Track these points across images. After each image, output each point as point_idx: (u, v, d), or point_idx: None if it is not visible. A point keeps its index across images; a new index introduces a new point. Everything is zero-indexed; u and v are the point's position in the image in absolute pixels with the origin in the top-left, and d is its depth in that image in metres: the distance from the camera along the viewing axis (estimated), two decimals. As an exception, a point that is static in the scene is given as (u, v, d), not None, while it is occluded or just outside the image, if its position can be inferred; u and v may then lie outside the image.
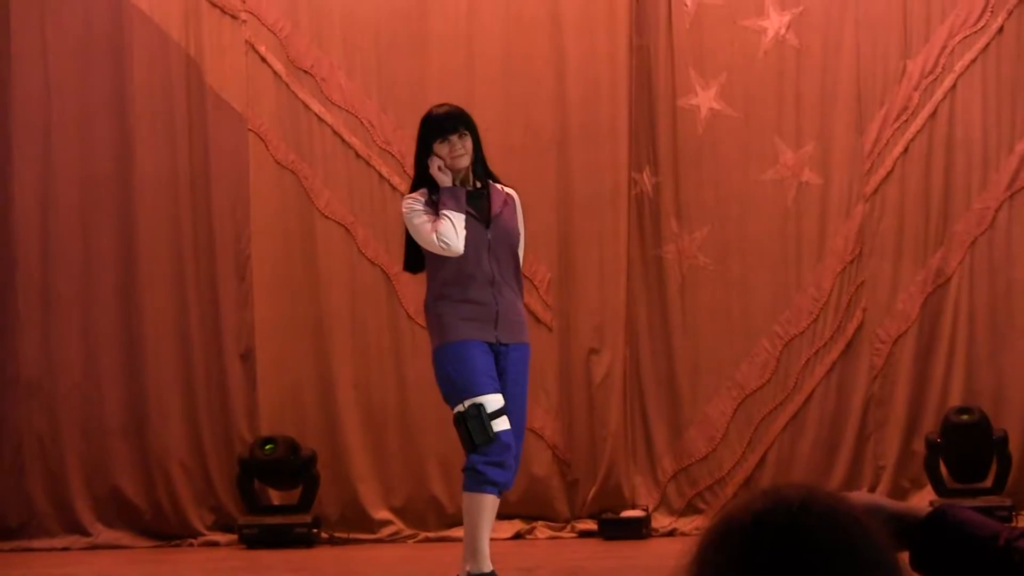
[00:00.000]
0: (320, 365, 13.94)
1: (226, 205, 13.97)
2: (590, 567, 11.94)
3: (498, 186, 10.21)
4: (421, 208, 9.72)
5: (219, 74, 13.97)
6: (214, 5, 13.98)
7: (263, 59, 13.96)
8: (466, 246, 9.71)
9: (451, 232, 9.65)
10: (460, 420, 9.63)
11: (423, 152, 9.89)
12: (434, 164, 9.75)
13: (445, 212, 9.67)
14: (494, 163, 13.64)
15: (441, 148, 9.78)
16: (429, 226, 9.67)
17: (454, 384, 9.73)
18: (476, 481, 9.70)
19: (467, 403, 9.60)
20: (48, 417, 13.96)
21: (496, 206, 10.03)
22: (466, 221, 9.78)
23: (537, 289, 13.79)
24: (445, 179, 9.76)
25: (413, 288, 13.59)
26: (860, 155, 13.85)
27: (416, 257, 9.87)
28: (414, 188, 9.91)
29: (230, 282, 13.97)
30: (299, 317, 13.98)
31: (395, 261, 13.47)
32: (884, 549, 2.69)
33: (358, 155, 13.95)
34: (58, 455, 13.92)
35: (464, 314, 9.78)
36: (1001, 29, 13.74)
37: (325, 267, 13.95)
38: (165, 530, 13.86)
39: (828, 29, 13.90)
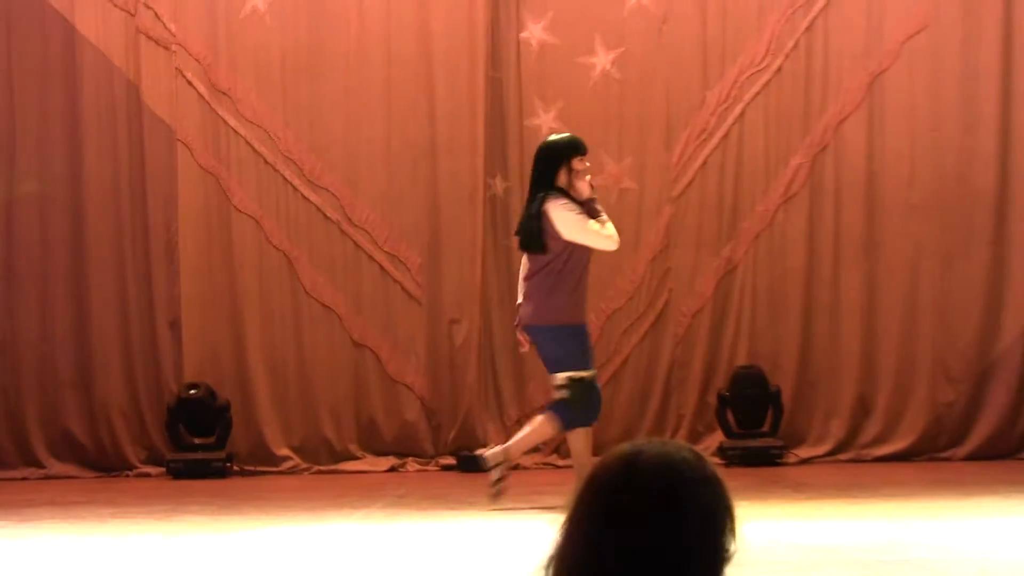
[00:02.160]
0: (234, 331, 14.00)
1: (158, 201, 13.98)
2: (450, 494, 12.07)
3: None
4: (584, 215, 10.41)
5: (153, 94, 13.96)
6: (150, 38, 13.96)
7: (189, 83, 13.97)
8: (585, 249, 10.54)
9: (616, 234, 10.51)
10: (584, 383, 10.51)
11: (558, 164, 10.51)
12: (586, 175, 10.57)
13: (605, 217, 10.47)
14: (378, 169, 14.15)
15: (580, 163, 10.51)
16: (599, 228, 10.41)
17: (583, 355, 10.50)
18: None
19: (588, 374, 10.51)
20: (11, 372, 14.02)
21: None
22: None
23: (410, 271, 13.98)
24: (588, 189, 10.53)
25: (310, 270, 13.99)
26: (668, 167, 14.04)
27: (543, 241, 10.43)
28: (555, 193, 10.45)
29: (161, 263, 14.00)
30: (217, 292, 14.01)
31: (295, 247, 13.97)
32: (712, 479, 2.85)
33: (266, 162, 14.00)
34: (19, 402, 13.97)
35: (583, 301, 10.59)
36: (780, 68, 13.97)
37: (238, 252, 14.00)
38: (106, 464, 13.94)
39: (644, 65, 14.01)
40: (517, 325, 10.84)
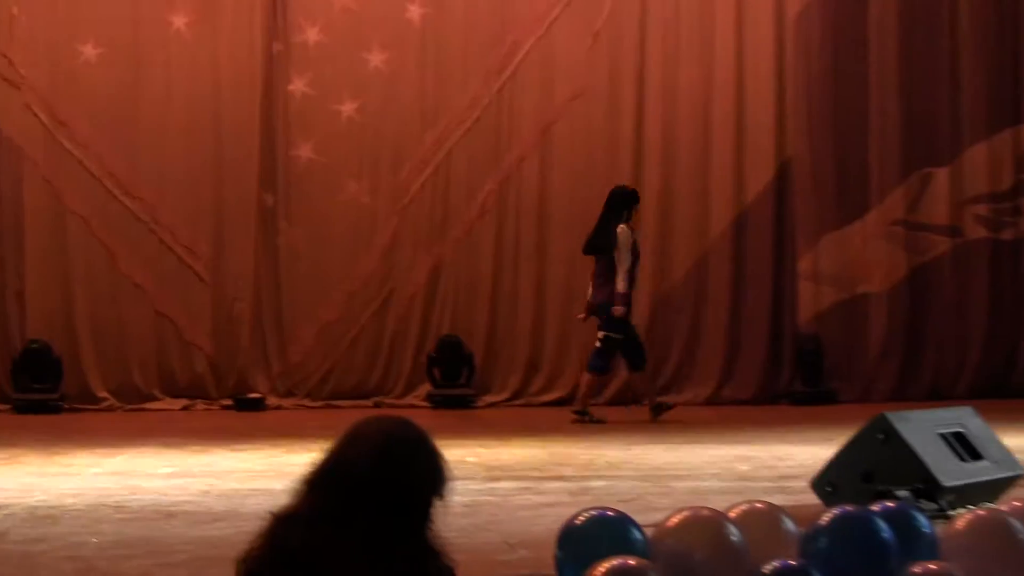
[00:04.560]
0: (66, 301, 13.77)
1: (9, 203, 13.78)
2: (229, 425, 12.21)
3: None
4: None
5: (7, 123, 13.77)
6: (4, 79, 13.72)
7: (35, 114, 13.77)
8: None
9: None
10: (617, 343, 11.91)
11: (628, 207, 11.94)
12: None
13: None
14: (179, 183, 13.99)
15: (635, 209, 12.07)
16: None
17: (623, 322, 11.87)
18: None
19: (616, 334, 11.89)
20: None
21: None
22: None
23: (201, 260, 13.91)
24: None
25: (126, 257, 13.84)
26: (395, 188, 14.06)
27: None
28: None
29: (10, 250, 13.78)
30: (54, 272, 13.79)
31: (114, 239, 13.82)
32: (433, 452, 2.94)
33: (94, 175, 13.80)
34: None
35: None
36: (478, 118, 14.05)
37: (72, 242, 13.79)
38: (-37, 403, 13.65)
39: (379, 112, 14.01)
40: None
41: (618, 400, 13.76)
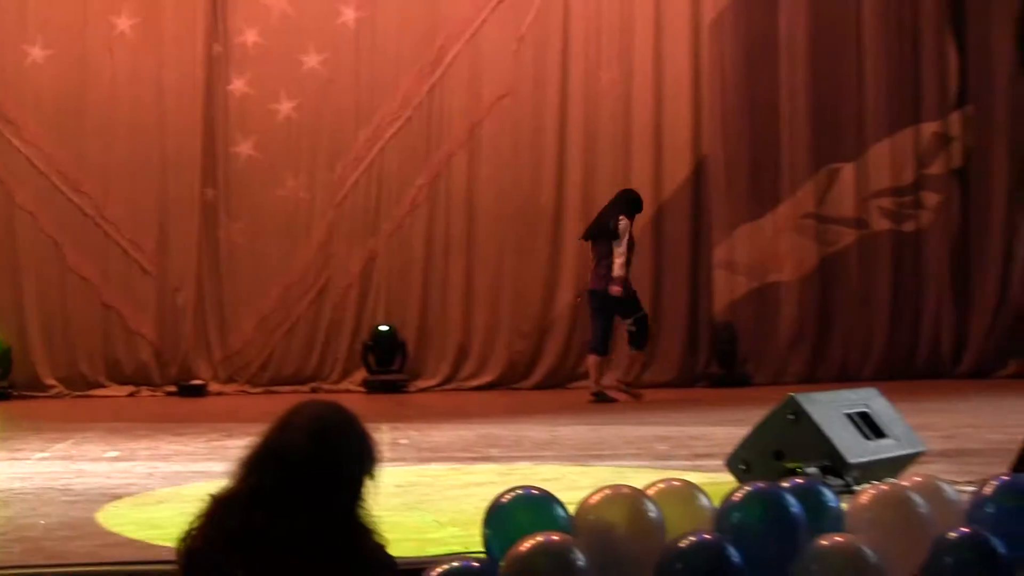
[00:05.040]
0: (15, 295, 13.63)
1: None
2: (172, 412, 12.18)
3: None
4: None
5: None
6: None
7: None
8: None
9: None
10: (644, 318, 12.22)
11: (632, 208, 12.15)
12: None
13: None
14: (123, 179, 13.89)
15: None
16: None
17: (635, 302, 12.15)
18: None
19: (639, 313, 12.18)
20: None
21: None
22: None
23: (145, 253, 13.82)
24: None
25: (73, 251, 13.70)
26: (331, 183, 14.01)
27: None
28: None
29: None
30: (3, 266, 13.63)
31: (61, 234, 13.70)
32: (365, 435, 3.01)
33: (40, 172, 13.66)
34: None
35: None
36: (409, 117, 13.97)
37: (19, 237, 13.66)
38: (-83, 391, 13.44)
39: (315, 111, 13.95)
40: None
41: (547, 384, 13.88)
